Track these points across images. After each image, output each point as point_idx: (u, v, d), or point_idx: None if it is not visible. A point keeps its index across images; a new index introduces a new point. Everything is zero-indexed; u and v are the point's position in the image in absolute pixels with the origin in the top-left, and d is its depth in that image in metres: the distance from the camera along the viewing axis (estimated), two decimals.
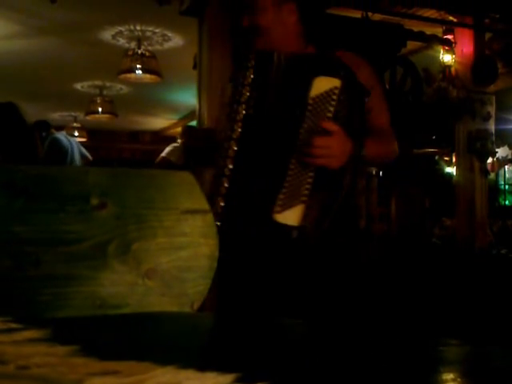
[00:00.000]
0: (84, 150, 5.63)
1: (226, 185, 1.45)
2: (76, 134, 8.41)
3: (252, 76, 1.48)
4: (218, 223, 1.40)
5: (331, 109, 1.41)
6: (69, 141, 5.07)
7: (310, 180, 1.41)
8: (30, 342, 0.59)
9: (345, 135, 1.43)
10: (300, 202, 1.40)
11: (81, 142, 8.12)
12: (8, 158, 2.21)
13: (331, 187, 1.44)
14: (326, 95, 1.42)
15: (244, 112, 1.47)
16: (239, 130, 1.46)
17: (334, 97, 1.41)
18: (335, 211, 1.44)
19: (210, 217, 0.97)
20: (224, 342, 0.70)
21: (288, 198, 1.40)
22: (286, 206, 1.40)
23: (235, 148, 1.46)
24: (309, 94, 1.42)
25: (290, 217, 1.39)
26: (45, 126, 5.40)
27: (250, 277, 1.52)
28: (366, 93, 1.50)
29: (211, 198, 1.42)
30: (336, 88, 1.41)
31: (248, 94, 1.47)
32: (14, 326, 0.66)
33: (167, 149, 5.23)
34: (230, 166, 1.46)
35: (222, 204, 1.44)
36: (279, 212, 1.39)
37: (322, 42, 1.67)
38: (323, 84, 1.42)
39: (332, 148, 1.40)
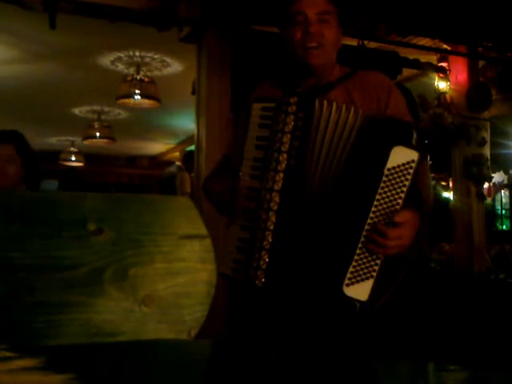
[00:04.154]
0: None
1: (270, 239, 1.35)
2: (73, 158, 8.42)
3: (293, 123, 1.35)
4: (262, 280, 1.33)
5: (406, 183, 1.29)
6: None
7: (379, 258, 1.34)
8: (25, 370, 0.58)
9: (414, 216, 1.34)
10: (370, 277, 1.33)
11: (78, 167, 8.08)
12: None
13: (398, 262, 1.37)
14: (403, 169, 1.29)
15: (286, 162, 1.35)
16: (281, 181, 1.34)
17: (411, 171, 1.28)
18: (399, 282, 1.38)
19: (207, 242, 0.96)
20: (221, 370, 0.69)
21: (357, 272, 1.33)
22: (356, 280, 1.33)
23: (278, 201, 1.34)
24: (386, 164, 1.28)
25: (360, 291, 1.32)
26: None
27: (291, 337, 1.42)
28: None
29: (244, 251, 1.35)
30: (413, 161, 1.29)
31: (289, 142, 1.34)
32: (8, 354, 0.65)
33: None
34: (274, 220, 1.35)
35: (267, 260, 1.35)
36: (348, 285, 1.32)
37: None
38: (401, 156, 1.29)
39: (404, 238, 1.33)
